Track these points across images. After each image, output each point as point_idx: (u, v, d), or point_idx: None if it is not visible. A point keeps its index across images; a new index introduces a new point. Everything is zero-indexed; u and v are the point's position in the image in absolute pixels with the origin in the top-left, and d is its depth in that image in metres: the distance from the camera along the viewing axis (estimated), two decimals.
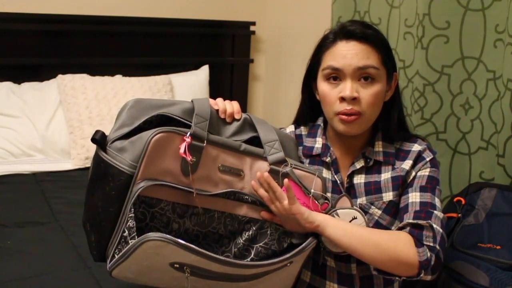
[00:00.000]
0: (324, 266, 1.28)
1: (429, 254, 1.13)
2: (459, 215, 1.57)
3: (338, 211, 1.21)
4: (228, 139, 1.16)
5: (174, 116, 1.13)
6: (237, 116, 1.20)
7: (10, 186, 2.08)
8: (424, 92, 2.02)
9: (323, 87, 1.23)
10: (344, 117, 1.19)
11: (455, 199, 1.64)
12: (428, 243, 1.14)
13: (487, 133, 1.90)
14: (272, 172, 1.17)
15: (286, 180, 1.14)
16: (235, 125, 1.20)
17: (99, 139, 1.09)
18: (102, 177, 1.08)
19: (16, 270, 1.48)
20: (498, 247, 1.41)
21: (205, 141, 1.11)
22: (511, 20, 1.74)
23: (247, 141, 1.20)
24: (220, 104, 1.20)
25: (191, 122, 1.12)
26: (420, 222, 1.15)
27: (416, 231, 1.15)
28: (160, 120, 1.14)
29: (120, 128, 1.14)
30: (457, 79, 1.96)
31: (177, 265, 1.02)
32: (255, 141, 1.21)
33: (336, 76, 1.20)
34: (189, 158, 1.07)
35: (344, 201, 1.23)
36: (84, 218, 1.15)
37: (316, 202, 1.19)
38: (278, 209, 1.15)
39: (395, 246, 1.13)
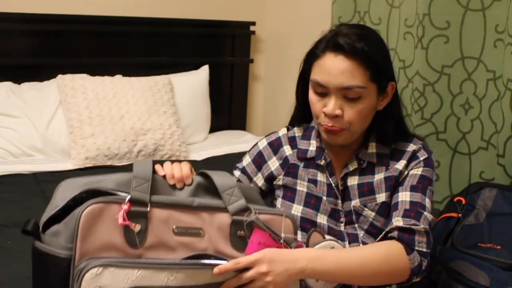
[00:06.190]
0: None
1: (420, 259, 1.12)
2: (460, 215, 1.57)
3: (314, 248, 1.15)
4: (177, 197, 1.06)
5: (106, 190, 1.02)
6: (187, 182, 1.09)
7: (10, 186, 2.08)
8: (424, 92, 2.02)
9: (311, 96, 1.21)
10: (327, 126, 1.18)
11: (455, 199, 1.64)
12: (420, 249, 1.13)
13: (487, 133, 1.90)
14: (234, 223, 1.06)
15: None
16: (187, 190, 1.09)
17: (31, 230, 0.99)
18: (42, 269, 1.00)
19: (16, 270, 1.48)
20: (499, 247, 1.40)
21: (148, 204, 1.01)
22: (511, 20, 1.74)
23: None
24: (166, 169, 1.10)
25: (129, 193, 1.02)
26: (412, 227, 1.13)
27: (406, 236, 1.13)
28: (96, 197, 1.02)
29: (51, 211, 1.03)
30: (457, 79, 1.96)
31: None
32: None
33: (322, 90, 1.17)
34: (128, 223, 0.98)
35: (316, 236, 1.18)
36: None
37: (289, 247, 1.09)
38: (261, 278, 1.03)
39: (389, 264, 1.10)
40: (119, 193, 1.02)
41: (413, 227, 1.13)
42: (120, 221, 0.97)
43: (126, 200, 0.99)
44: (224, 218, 1.07)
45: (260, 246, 1.07)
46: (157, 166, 1.11)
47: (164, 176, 1.08)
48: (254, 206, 1.10)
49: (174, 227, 1.03)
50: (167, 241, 1.03)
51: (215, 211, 1.07)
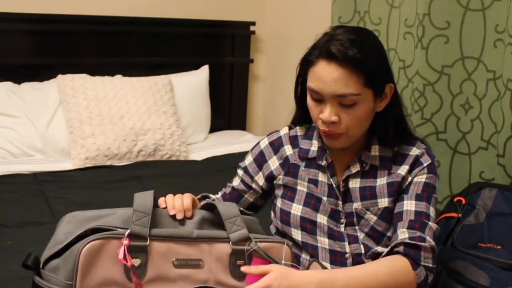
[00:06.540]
0: None
1: (426, 273, 1.12)
2: (460, 215, 1.57)
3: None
4: (176, 229, 1.06)
5: (111, 228, 1.03)
6: (187, 214, 1.10)
7: (10, 186, 2.08)
8: (424, 92, 2.02)
9: (309, 101, 1.20)
10: (325, 131, 1.18)
11: (455, 199, 1.64)
12: (426, 264, 1.13)
13: (487, 133, 1.90)
14: (234, 253, 1.07)
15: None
16: (192, 224, 1.09)
17: (31, 264, 1.01)
18: None
19: (16, 270, 1.48)
20: (499, 247, 1.40)
21: (148, 238, 1.02)
22: (511, 20, 1.74)
23: None
24: (168, 201, 1.11)
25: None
26: (418, 243, 1.13)
27: (412, 251, 1.13)
28: (98, 232, 1.03)
29: (54, 246, 1.04)
30: (457, 79, 1.96)
31: None
32: None
33: (317, 97, 1.17)
34: (129, 263, 0.98)
35: (315, 266, 1.18)
36: None
37: None
38: None
39: (395, 281, 1.10)
40: (119, 228, 1.02)
41: (419, 243, 1.13)
42: (120, 256, 0.98)
43: (126, 235, 1.00)
44: (223, 248, 1.07)
45: (260, 275, 1.06)
46: (160, 200, 1.12)
47: (166, 208, 1.09)
48: (254, 235, 1.10)
49: (174, 259, 1.04)
50: (167, 274, 1.03)
51: (214, 242, 1.07)
